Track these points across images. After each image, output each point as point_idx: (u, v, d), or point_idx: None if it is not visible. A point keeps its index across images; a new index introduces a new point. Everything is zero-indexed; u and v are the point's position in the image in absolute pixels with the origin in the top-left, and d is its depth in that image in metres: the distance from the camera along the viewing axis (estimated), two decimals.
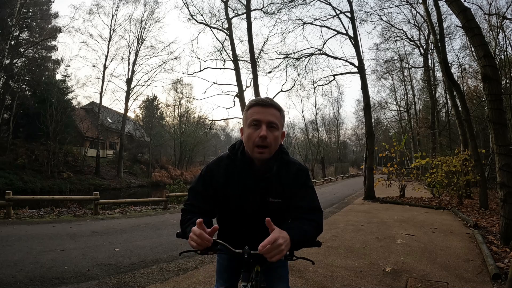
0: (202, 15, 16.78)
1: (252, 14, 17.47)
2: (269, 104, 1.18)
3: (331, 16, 13.70)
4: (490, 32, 15.88)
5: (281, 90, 19.05)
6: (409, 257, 4.09)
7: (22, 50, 22.22)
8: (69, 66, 33.79)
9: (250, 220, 1.25)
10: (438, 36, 10.17)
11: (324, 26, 13.97)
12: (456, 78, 13.47)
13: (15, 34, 21.44)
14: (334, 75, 14.94)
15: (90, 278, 3.27)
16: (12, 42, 20.84)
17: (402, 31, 21.31)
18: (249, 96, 19.49)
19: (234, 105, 21.19)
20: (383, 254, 4.25)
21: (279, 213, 1.24)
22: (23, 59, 22.43)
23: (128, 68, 27.60)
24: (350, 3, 12.91)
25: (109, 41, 26.40)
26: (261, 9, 16.03)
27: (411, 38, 21.75)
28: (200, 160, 40.54)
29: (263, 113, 1.16)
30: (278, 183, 1.22)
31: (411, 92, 28.43)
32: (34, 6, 23.87)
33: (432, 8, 11.65)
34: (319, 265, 3.76)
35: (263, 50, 17.07)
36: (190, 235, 1.02)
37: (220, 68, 17.31)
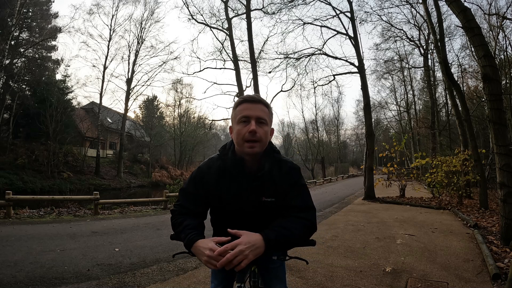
0: (202, 15, 16.82)
1: (252, 14, 17.49)
2: (258, 101, 1.19)
3: (331, 16, 13.70)
4: (490, 32, 15.90)
5: (281, 90, 19.06)
6: (409, 257, 4.09)
7: (22, 50, 22.22)
8: (69, 66, 33.90)
9: (244, 220, 1.24)
10: (438, 36, 10.16)
11: (324, 26, 13.97)
12: (456, 78, 13.46)
13: (15, 34, 21.44)
14: (334, 75, 14.94)
15: (90, 278, 3.27)
16: (12, 42, 20.84)
17: (402, 31, 21.32)
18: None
19: None
20: (383, 254, 4.25)
21: (273, 212, 1.23)
22: (23, 59, 22.44)
23: (128, 68, 27.65)
24: (350, 3, 12.92)
25: (109, 41, 26.44)
26: (261, 9, 16.03)
27: (411, 38, 21.75)
28: (200, 160, 40.45)
29: (251, 109, 1.17)
30: (271, 182, 1.22)
31: (411, 92, 28.50)
32: (34, 6, 23.87)
33: (432, 8, 11.66)
34: (319, 265, 3.76)
35: (263, 50, 17.11)
36: (207, 255, 1.02)
37: (220, 68, 17.34)
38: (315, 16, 18.93)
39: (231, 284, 1.36)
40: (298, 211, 1.19)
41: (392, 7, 24.61)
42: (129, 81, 27.38)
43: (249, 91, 15.59)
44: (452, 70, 16.45)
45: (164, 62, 28.19)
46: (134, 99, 28.63)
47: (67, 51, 66.24)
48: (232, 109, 1.25)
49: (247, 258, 1.00)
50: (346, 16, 13.15)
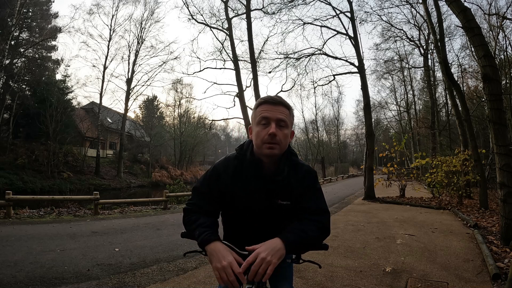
0: (202, 15, 16.81)
1: (252, 14, 17.49)
2: (279, 102, 1.17)
3: (331, 16, 13.70)
4: (490, 32, 15.91)
5: (281, 90, 18.96)
6: (409, 257, 4.09)
7: (22, 50, 22.22)
8: (69, 66, 33.91)
9: (258, 222, 1.24)
10: (438, 36, 10.16)
11: (324, 26, 13.97)
12: (456, 78, 13.46)
13: (15, 34, 21.44)
14: (334, 75, 14.94)
15: (90, 278, 3.27)
16: (12, 42, 20.84)
17: (402, 31, 21.32)
18: (249, 96, 19.46)
19: (234, 105, 21.18)
20: (383, 254, 4.25)
21: (287, 215, 1.23)
22: (23, 59, 22.44)
23: (128, 68, 27.66)
24: (350, 3, 12.92)
25: (109, 41, 26.45)
26: (261, 9, 16.03)
27: (411, 38, 21.76)
28: (200, 160, 40.59)
29: (272, 110, 1.15)
30: (287, 185, 1.21)
31: (411, 92, 28.52)
32: (34, 6, 23.87)
33: (432, 8, 11.66)
34: None
35: (263, 50, 17.09)
36: (225, 268, 1.01)
37: (220, 68, 17.33)
38: (315, 16, 18.96)
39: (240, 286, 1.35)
40: (312, 214, 1.19)
41: (392, 7, 24.67)
42: (129, 81, 27.39)
43: (249, 91, 15.64)
44: (452, 70, 16.48)
45: (164, 62, 28.26)
46: (134, 99, 28.70)
47: (67, 51, 66.47)
48: (253, 109, 1.23)
49: (271, 263, 0.99)
50: (346, 16, 13.16)
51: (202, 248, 1.10)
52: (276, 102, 1.17)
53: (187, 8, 15.96)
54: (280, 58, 15.71)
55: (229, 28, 15.44)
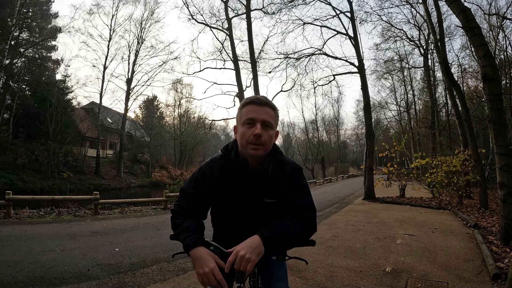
0: (202, 15, 16.84)
1: (252, 14, 17.50)
2: (264, 103, 1.17)
3: (331, 16, 13.70)
4: (490, 32, 15.91)
5: (281, 90, 19.05)
6: (409, 257, 4.09)
7: (22, 50, 22.23)
8: (69, 66, 33.95)
9: (244, 221, 1.25)
10: (438, 36, 10.16)
11: (324, 26, 13.97)
12: (456, 78, 13.46)
13: (15, 34, 21.45)
14: (334, 75, 14.94)
15: (90, 278, 3.27)
16: (12, 42, 20.84)
17: (402, 31, 21.32)
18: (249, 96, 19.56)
19: (234, 105, 21.10)
20: (383, 254, 4.25)
21: (273, 213, 1.24)
22: (23, 59, 22.44)
23: (128, 68, 27.66)
24: (350, 3, 12.92)
25: (109, 41, 26.46)
26: (261, 9, 16.04)
27: (411, 38, 21.76)
28: (200, 160, 40.50)
29: (258, 111, 1.15)
30: (273, 183, 1.22)
31: (411, 92, 28.51)
32: (34, 6, 23.88)
33: (432, 8, 11.67)
34: (319, 265, 3.76)
35: (263, 50, 17.10)
36: (207, 273, 1.05)
37: (220, 68, 17.34)
38: (315, 16, 18.97)
39: (231, 284, 1.35)
40: (297, 211, 1.19)
41: (392, 7, 24.71)
42: (129, 81, 27.39)
43: (249, 91, 15.61)
44: (452, 70, 16.49)
45: (164, 62, 28.26)
46: (134, 99, 28.70)
47: (67, 51, 66.38)
48: (238, 109, 1.23)
49: (250, 261, 1.01)
50: (346, 16, 13.16)
51: (187, 252, 1.12)
52: (262, 103, 1.17)
53: (187, 8, 16.00)
54: (280, 58, 15.74)
55: (229, 28, 15.45)
